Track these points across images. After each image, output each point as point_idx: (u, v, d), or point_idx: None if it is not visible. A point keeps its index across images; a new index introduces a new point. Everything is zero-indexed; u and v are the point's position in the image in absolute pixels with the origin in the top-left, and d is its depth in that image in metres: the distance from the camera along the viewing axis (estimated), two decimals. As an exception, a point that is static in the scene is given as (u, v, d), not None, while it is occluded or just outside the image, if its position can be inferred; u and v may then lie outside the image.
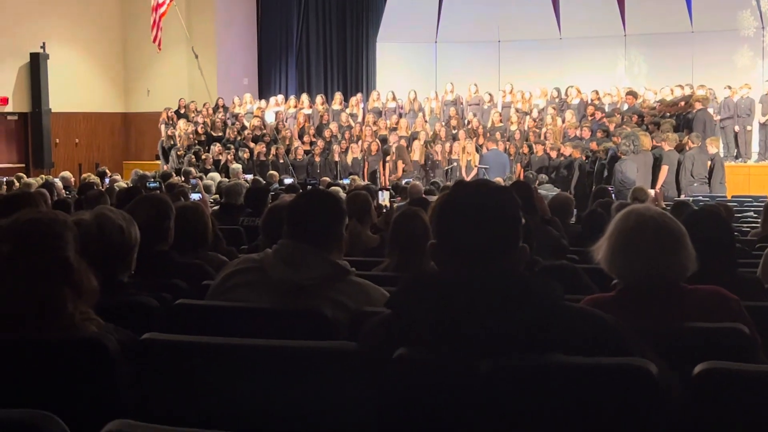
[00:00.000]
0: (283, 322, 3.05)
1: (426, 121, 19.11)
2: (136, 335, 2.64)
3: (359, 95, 21.10)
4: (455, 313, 2.14)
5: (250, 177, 15.65)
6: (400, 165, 17.64)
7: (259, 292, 3.21)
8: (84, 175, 14.88)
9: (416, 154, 17.95)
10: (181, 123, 19.97)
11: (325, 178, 16.01)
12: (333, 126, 19.40)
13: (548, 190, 13.84)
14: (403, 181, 15.19)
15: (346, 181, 14.41)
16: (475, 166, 17.31)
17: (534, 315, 2.12)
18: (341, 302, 3.16)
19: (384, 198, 10.28)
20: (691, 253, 2.86)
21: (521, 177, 16.39)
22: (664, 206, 9.66)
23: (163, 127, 20.32)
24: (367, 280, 3.37)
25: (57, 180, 13.76)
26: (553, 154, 16.61)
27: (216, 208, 9.54)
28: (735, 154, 17.18)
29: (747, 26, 19.92)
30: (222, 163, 18.09)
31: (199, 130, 19.68)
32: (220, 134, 19.61)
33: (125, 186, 11.21)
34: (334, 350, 2.39)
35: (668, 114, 16.52)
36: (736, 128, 17.19)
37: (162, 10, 20.44)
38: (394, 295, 2.36)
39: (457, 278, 2.20)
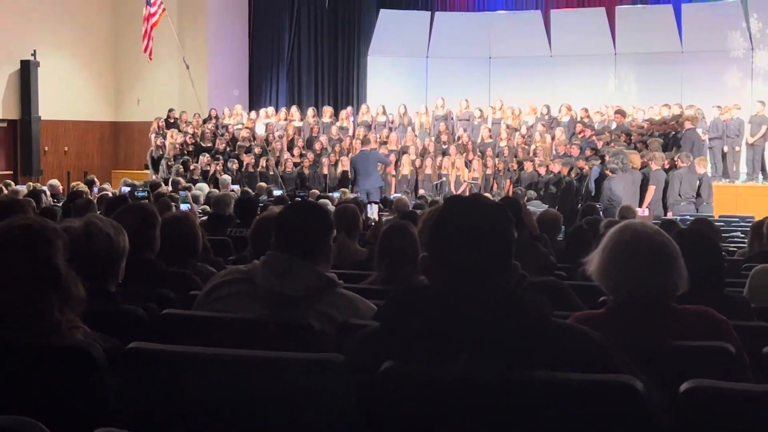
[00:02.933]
0: (270, 333, 3.05)
1: (416, 136, 19.15)
2: (123, 344, 2.63)
3: (349, 108, 21.13)
4: (445, 327, 2.14)
5: (237, 188, 15.65)
6: None
7: (247, 303, 3.20)
8: (73, 184, 14.83)
9: (405, 168, 18.01)
10: (171, 133, 19.96)
11: (314, 190, 16.03)
12: (323, 139, 19.41)
13: (537, 207, 13.88)
14: (391, 196, 15.23)
15: (336, 195, 14.42)
16: (465, 180, 17.38)
17: (523, 331, 2.12)
18: (329, 314, 3.16)
19: (373, 212, 10.27)
20: (683, 274, 2.87)
21: (510, 193, 16.45)
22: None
23: (153, 136, 20.30)
24: (354, 293, 3.37)
25: (45, 188, 13.72)
26: (542, 171, 16.65)
27: (204, 218, 9.53)
28: (722, 173, 17.26)
29: (737, 47, 20.04)
30: (210, 173, 18.07)
31: (188, 140, 19.66)
32: (209, 145, 19.59)
33: (114, 195, 11.19)
34: (322, 362, 2.39)
35: (656, 133, 16.58)
36: (725, 148, 17.27)
37: (154, 20, 20.41)
38: (382, 308, 2.36)
39: (449, 292, 2.21)
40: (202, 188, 15.08)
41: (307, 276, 3.19)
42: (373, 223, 9.28)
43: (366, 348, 2.33)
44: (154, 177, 18.38)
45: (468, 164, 17.70)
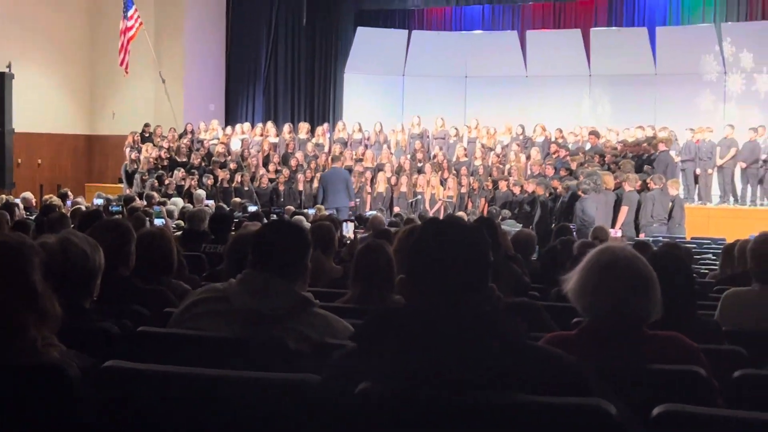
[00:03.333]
0: (245, 352, 3.05)
1: (392, 154, 19.18)
2: (98, 362, 2.63)
3: (326, 125, 21.12)
4: (422, 348, 2.16)
5: (211, 203, 15.61)
6: None
7: (223, 321, 3.21)
8: (46, 197, 14.73)
9: (380, 186, 18.03)
10: (146, 147, 19.89)
11: (289, 207, 16.01)
12: (299, 155, 19.40)
13: (511, 226, 13.94)
14: (366, 213, 15.24)
15: (311, 211, 14.41)
16: (440, 199, 17.44)
17: (499, 353, 2.14)
18: (305, 334, 3.17)
19: (348, 229, 10.29)
20: (658, 300, 2.90)
21: (485, 212, 16.52)
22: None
23: (128, 150, 20.22)
24: (329, 311, 3.38)
25: (18, 201, 13.62)
26: (516, 190, 16.71)
27: (178, 233, 9.50)
28: (695, 196, 17.42)
29: (710, 71, 20.28)
30: (185, 188, 18.01)
31: (163, 154, 19.60)
32: (184, 160, 19.53)
33: (87, 209, 11.13)
34: (298, 382, 2.40)
35: (630, 154, 16.71)
36: (697, 171, 17.43)
37: (130, 33, 20.36)
38: (360, 329, 2.37)
39: (426, 314, 2.22)
40: (177, 203, 15.03)
41: (284, 295, 3.20)
42: (348, 241, 9.29)
43: (343, 368, 2.34)
44: (128, 191, 18.30)
45: (443, 182, 17.76)
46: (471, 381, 2.11)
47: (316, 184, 18.17)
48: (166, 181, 18.32)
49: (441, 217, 16.07)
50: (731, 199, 17.45)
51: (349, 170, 18.16)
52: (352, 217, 14.21)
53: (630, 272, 2.88)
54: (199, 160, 19.35)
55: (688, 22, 21.56)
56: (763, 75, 19.87)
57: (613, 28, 22.21)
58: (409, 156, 19.01)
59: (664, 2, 21.95)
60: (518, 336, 2.21)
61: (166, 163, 19.47)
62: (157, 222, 10.95)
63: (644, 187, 15.08)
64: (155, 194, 15.96)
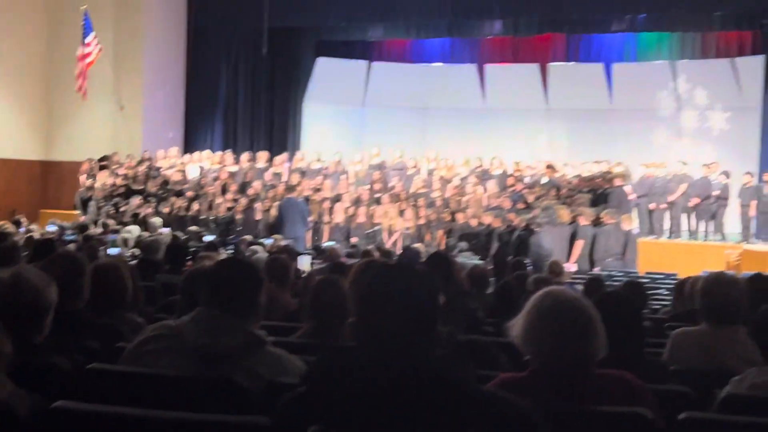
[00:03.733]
0: (197, 390, 3.05)
1: (351, 184, 19.19)
2: (48, 399, 2.62)
3: (285, 154, 21.10)
4: (371, 394, 2.18)
5: (167, 231, 15.49)
6: None
7: (175, 359, 3.20)
8: (-1, 223, 14.55)
9: (338, 216, 18.02)
10: (102, 174, 19.74)
11: (245, 237, 15.92)
12: (256, 184, 19.32)
13: (468, 258, 14.00)
14: (323, 244, 15.23)
15: (268, 241, 14.35)
16: (397, 230, 17.47)
17: (447, 400, 2.17)
18: (256, 372, 3.18)
19: (304, 263, 10.28)
20: (602, 339, 2.95)
21: (443, 243, 16.58)
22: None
23: (83, 177, 20.05)
24: (283, 347, 3.39)
25: (-30, 227, 13.44)
26: (474, 223, 16.80)
27: (133, 263, 9.42)
28: (648, 230, 17.62)
29: (664, 107, 20.62)
30: (141, 216, 17.88)
31: (118, 182, 19.45)
32: (141, 187, 19.39)
33: (41, 238, 11.01)
34: (248, 426, 2.41)
35: (585, 189, 16.90)
36: (651, 206, 17.65)
37: (89, 59, 20.26)
38: (310, 371, 2.39)
39: (375, 360, 2.25)
40: (132, 231, 14.89)
41: (236, 333, 3.21)
42: (304, 275, 9.28)
43: (293, 411, 2.35)
44: (82, 218, 18.13)
45: (401, 213, 17.78)
46: (419, 427, 2.13)
47: (273, 212, 18.10)
48: (122, 209, 18.18)
49: (399, 247, 16.12)
50: (684, 234, 17.67)
51: (306, 199, 18.12)
52: (310, 249, 14.19)
53: (571, 315, 2.94)
54: (156, 187, 19.23)
55: (644, 59, 21.91)
56: (716, 112, 20.24)
57: (571, 63, 22.52)
58: (367, 187, 19.03)
59: (621, 39, 22.27)
60: (467, 381, 2.24)
61: (122, 190, 19.34)
62: (113, 251, 10.86)
63: (597, 222, 15.23)
64: (111, 222, 15.83)
